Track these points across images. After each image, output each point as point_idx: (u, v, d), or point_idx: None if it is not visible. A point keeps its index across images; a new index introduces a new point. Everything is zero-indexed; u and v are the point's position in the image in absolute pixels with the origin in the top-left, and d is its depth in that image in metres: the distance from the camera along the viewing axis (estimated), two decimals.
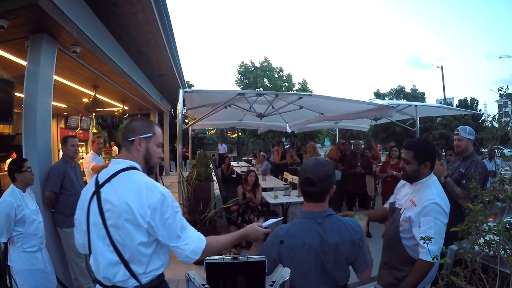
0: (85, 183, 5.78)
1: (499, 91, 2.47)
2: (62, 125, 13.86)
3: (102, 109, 9.71)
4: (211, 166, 8.65)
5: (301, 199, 7.14)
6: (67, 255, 4.80)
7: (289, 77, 31.92)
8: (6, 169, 4.18)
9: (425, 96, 36.97)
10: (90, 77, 7.19)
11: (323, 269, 2.06)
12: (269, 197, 7.45)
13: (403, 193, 2.97)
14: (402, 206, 2.82)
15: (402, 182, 3.13)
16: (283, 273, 2.01)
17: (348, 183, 7.91)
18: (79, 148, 14.19)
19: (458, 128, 4.24)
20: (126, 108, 11.69)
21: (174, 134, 12.55)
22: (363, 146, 10.42)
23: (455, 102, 35.79)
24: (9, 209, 3.57)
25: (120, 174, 1.94)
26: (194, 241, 1.98)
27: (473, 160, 4.06)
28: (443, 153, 7.59)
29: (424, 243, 2.17)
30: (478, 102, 32.09)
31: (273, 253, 2.13)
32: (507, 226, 3.30)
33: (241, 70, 32.36)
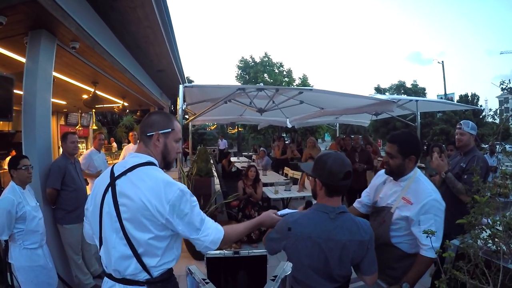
0: (85, 179, 5.79)
1: (501, 85, 2.46)
2: (62, 122, 13.88)
3: (101, 105, 9.70)
4: (212, 161, 8.64)
5: (302, 194, 7.14)
6: (66, 252, 4.81)
7: (289, 72, 31.85)
8: (5, 167, 4.17)
9: (425, 92, 36.97)
10: (90, 73, 7.19)
11: (327, 265, 2.06)
12: (269, 192, 7.46)
13: (389, 191, 2.87)
14: (392, 205, 2.74)
15: (379, 179, 3.05)
16: (285, 267, 2.00)
17: None
18: (79, 145, 14.25)
19: (461, 122, 4.21)
20: (126, 104, 11.66)
21: None
22: (362, 142, 10.44)
23: (456, 98, 35.76)
24: (10, 206, 3.56)
25: (138, 169, 1.93)
26: (213, 232, 2.00)
27: (475, 155, 4.04)
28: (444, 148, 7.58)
29: (427, 237, 2.06)
30: (479, 97, 32.10)
31: (282, 238, 2.16)
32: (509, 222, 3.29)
33: (241, 65, 32.30)
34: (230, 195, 6.76)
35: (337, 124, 14.79)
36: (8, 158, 8.08)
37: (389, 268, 2.73)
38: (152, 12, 5.50)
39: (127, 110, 13.07)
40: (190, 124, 9.64)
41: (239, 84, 30.47)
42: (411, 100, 8.41)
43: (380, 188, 2.99)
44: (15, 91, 4.55)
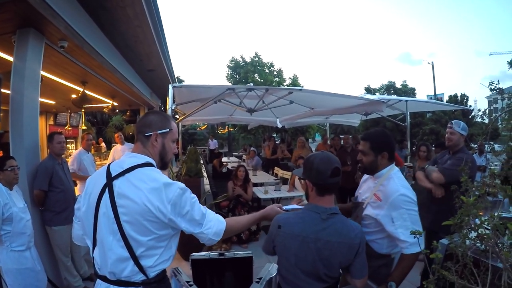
0: (74, 181, 5.72)
1: (490, 86, 2.47)
2: (51, 122, 13.73)
3: (91, 105, 9.62)
4: (202, 161, 8.61)
5: (291, 194, 7.15)
6: (55, 254, 4.76)
7: (280, 72, 31.91)
8: None
9: (415, 92, 37.23)
10: (79, 73, 7.12)
11: (314, 265, 2.06)
12: (259, 193, 7.45)
13: (366, 187, 2.95)
14: (365, 200, 2.80)
15: (365, 177, 3.10)
16: (270, 269, 2.00)
17: None
18: (68, 145, 14.09)
19: (452, 121, 4.22)
20: (115, 104, 11.57)
21: None
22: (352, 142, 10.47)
23: (446, 98, 36.05)
24: None
25: (137, 170, 1.92)
26: (215, 224, 2.05)
27: (462, 154, 4.05)
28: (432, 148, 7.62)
29: (414, 237, 2.08)
30: (468, 98, 32.36)
31: (272, 236, 2.20)
32: (498, 220, 3.30)
33: (232, 65, 32.33)
34: (219, 196, 6.71)
35: (327, 124, 14.82)
36: None
37: None
38: (142, 11, 5.47)
39: (117, 110, 12.94)
40: (180, 124, 9.60)
41: (229, 84, 30.55)
42: (400, 100, 8.45)
43: (362, 184, 3.07)
44: (3, 90, 4.50)
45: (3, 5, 3.76)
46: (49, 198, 4.63)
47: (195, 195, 2.02)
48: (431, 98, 33.74)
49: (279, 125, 10.59)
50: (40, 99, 4.82)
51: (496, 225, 1.76)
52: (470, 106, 29.94)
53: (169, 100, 6.11)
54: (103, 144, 17.77)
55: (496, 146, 3.06)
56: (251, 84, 8.42)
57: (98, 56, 6.12)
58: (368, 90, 37.35)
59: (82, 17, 5.29)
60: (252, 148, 13.90)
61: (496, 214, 1.90)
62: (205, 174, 8.85)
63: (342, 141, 8.96)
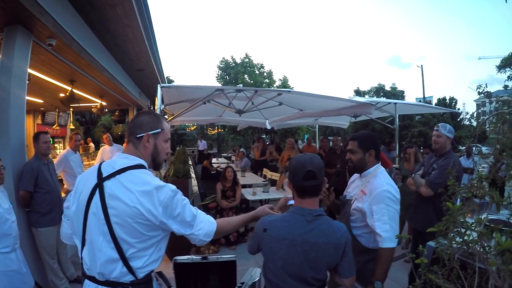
0: (60, 180, 5.65)
1: (478, 89, 2.50)
2: (39, 121, 13.60)
3: (79, 105, 9.54)
4: (190, 163, 8.56)
5: (280, 195, 7.15)
6: (41, 255, 4.69)
7: (270, 73, 31.98)
8: None
9: (404, 95, 37.60)
10: (67, 71, 7.05)
11: (301, 267, 2.06)
12: (247, 194, 7.44)
13: (353, 186, 3.12)
14: (353, 197, 2.96)
15: (353, 177, 3.26)
16: (253, 274, 1.98)
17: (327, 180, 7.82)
18: (56, 145, 13.93)
19: (439, 124, 4.26)
20: (104, 103, 11.49)
21: None
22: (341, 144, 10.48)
23: (434, 101, 36.36)
24: None
25: (129, 171, 1.90)
26: (205, 225, 2.04)
27: (449, 157, 4.07)
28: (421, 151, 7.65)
29: (384, 232, 2.55)
30: (457, 101, 32.70)
31: (258, 239, 2.17)
32: (486, 223, 3.32)
33: (222, 66, 32.32)
34: (208, 197, 6.67)
35: (317, 126, 14.87)
36: None
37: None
38: (132, 10, 5.43)
39: (106, 110, 12.86)
40: (169, 124, 9.56)
41: (219, 84, 30.61)
42: (389, 103, 8.49)
43: (350, 184, 3.23)
44: None
45: None
46: (34, 199, 4.56)
47: (185, 197, 2.00)
48: (420, 101, 34.04)
49: (268, 127, 10.60)
50: (28, 98, 4.77)
51: (482, 233, 1.76)
52: (459, 109, 30.33)
53: (158, 101, 6.07)
54: (91, 144, 17.58)
55: (484, 148, 3.11)
56: (241, 85, 8.39)
57: (86, 55, 6.06)
58: (358, 92, 37.59)
59: (71, 15, 5.24)
60: (241, 149, 13.90)
61: (483, 217, 1.90)
62: (193, 175, 8.81)
63: (331, 143, 8.94)
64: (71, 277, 5.14)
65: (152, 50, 7.97)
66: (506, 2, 2.71)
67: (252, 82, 30.13)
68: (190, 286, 1.88)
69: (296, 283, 2.08)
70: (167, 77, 34.35)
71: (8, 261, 3.63)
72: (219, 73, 32.54)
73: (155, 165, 2.13)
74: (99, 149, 11.63)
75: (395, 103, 8.71)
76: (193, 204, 6.21)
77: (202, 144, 23.10)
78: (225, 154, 22.69)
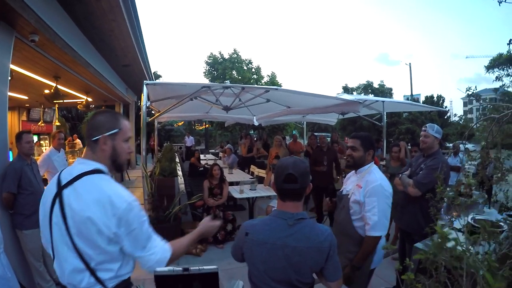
0: (44, 180, 5.55)
1: (467, 91, 2.51)
2: (24, 117, 13.41)
3: (64, 101, 9.44)
4: (177, 160, 8.49)
5: (267, 193, 7.12)
6: (27, 258, 4.62)
7: (258, 69, 31.96)
8: None
9: (392, 92, 37.96)
10: (51, 67, 6.96)
11: (285, 271, 2.04)
12: (235, 192, 7.40)
13: (349, 182, 3.38)
14: (349, 192, 3.22)
15: (348, 174, 3.56)
16: (235, 286, 1.95)
17: (313, 177, 7.83)
18: (42, 142, 13.76)
19: (427, 125, 4.26)
20: (89, 99, 11.39)
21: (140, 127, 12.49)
22: (329, 140, 10.49)
23: (422, 99, 36.66)
24: None
25: (85, 177, 1.81)
26: (159, 251, 1.90)
27: (436, 158, 4.07)
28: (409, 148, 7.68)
29: (372, 221, 2.90)
30: (444, 99, 33.00)
31: (240, 243, 2.16)
32: (474, 224, 3.37)
33: (210, 61, 32.22)
34: (195, 195, 6.65)
35: (304, 122, 14.89)
36: None
37: (348, 252, 3.11)
38: (117, 4, 5.38)
39: (92, 106, 12.74)
40: (156, 120, 9.48)
41: (207, 80, 30.58)
42: (377, 101, 8.51)
43: (346, 181, 3.50)
44: None
45: None
46: (18, 201, 4.47)
47: (145, 214, 1.90)
48: (407, 99, 34.30)
49: (256, 123, 10.57)
50: (12, 94, 4.69)
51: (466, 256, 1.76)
52: (446, 107, 30.57)
53: (144, 97, 6.02)
54: (77, 141, 17.34)
55: (470, 146, 3.17)
56: (228, 82, 8.36)
57: (70, 51, 5.98)
58: (346, 89, 37.77)
59: (54, 10, 5.16)
60: (228, 146, 13.86)
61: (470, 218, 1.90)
62: (180, 173, 8.75)
63: (318, 140, 8.94)
64: (58, 279, 5.06)
65: (139, 45, 7.91)
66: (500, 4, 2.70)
67: (240, 78, 30.10)
68: None
69: (281, 286, 2.06)
70: (154, 72, 34.13)
71: None
72: (207, 68, 32.45)
73: (116, 167, 2.01)
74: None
75: (383, 101, 8.73)
76: (179, 203, 6.19)
77: (189, 140, 23.00)
78: (213, 150, 22.57)
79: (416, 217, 3.90)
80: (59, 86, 8.29)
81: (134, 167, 16.81)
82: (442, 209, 4.03)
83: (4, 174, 4.41)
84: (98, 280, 1.76)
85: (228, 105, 7.11)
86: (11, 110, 10.12)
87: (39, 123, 13.49)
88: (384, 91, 36.50)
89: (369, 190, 3.00)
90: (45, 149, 11.10)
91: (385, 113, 9.17)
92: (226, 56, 31.95)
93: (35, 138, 13.82)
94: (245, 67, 31.60)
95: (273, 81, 31.01)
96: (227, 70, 30.48)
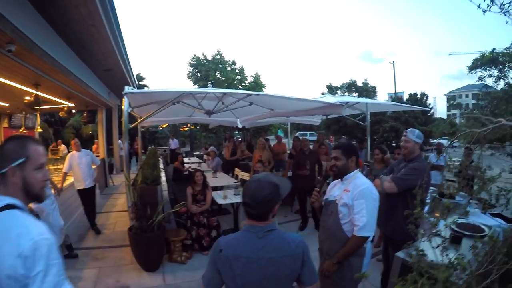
0: None
1: (451, 102, 2.56)
2: (5, 124, 13.29)
3: (46, 107, 9.32)
4: (161, 166, 8.40)
5: None
6: None
7: (241, 70, 31.91)
8: None
9: (376, 90, 38.16)
10: (30, 76, 6.88)
11: (261, 284, 2.06)
12: (218, 197, 7.36)
13: (336, 188, 3.44)
14: (337, 197, 3.27)
15: (333, 182, 3.59)
16: None
17: (297, 180, 7.96)
18: None
19: (407, 130, 4.30)
20: (71, 105, 11.26)
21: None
22: (315, 139, 10.52)
23: (406, 96, 36.90)
24: None
25: None
26: None
27: (417, 161, 4.09)
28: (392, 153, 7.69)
29: (361, 222, 3.00)
30: (427, 96, 33.26)
31: (215, 260, 2.14)
32: (455, 229, 3.41)
33: (193, 63, 32.07)
34: (179, 202, 6.60)
35: (289, 122, 14.95)
36: None
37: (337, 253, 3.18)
38: (96, 10, 5.31)
39: (74, 111, 12.61)
40: (139, 125, 9.41)
41: (191, 82, 30.56)
42: (358, 103, 8.60)
43: (332, 189, 3.53)
44: None
45: None
46: None
47: (57, 256, 1.66)
48: (391, 96, 34.57)
49: (240, 125, 10.57)
50: None
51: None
52: (430, 104, 30.78)
53: (125, 104, 5.96)
54: (62, 147, 16.92)
55: (454, 143, 3.24)
56: (211, 84, 8.32)
57: (49, 59, 5.91)
58: (330, 88, 37.91)
59: (31, 17, 5.10)
60: (211, 148, 13.80)
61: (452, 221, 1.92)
62: (164, 178, 8.67)
63: (300, 143, 8.93)
64: None
65: (119, 49, 7.84)
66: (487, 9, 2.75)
67: (223, 79, 30.04)
68: None
69: None
70: (138, 74, 33.99)
71: None
72: (191, 70, 32.29)
73: (33, 198, 1.81)
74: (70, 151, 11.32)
75: (366, 103, 8.83)
76: (163, 211, 6.14)
77: (174, 143, 22.81)
78: (197, 153, 22.41)
79: (399, 223, 3.91)
80: (39, 93, 8.21)
81: (119, 171, 16.68)
82: (424, 210, 4.08)
83: None
84: None
85: (210, 109, 7.09)
86: None
87: (21, 130, 13.32)
88: (368, 90, 36.74)
89: (357, 193, 3.10)
90: None
91: (368, 113, 9.24)
92: (210, 57, 31.82)
93: None
94: (228, 68, 31.51)
95: (257, 81, 31.00)
96: (210, 71, 30.37)
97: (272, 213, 2.15)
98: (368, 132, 10.02)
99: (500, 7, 2.72)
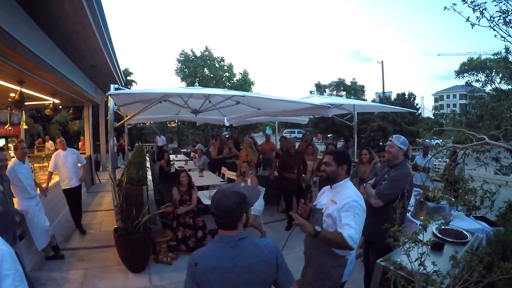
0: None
1: (436, 112, 2.58)
2: None
3: (31, 103, 9.22)
4: (147, 165, 8.33)
5: None
6: None
7: (230, 67, 31.89)
8: None
9: (364, 89, 38.16)
10: (14, 73, 6.81)
11: None
12: (204, 198, 7.35)
13: (325, 197, 3.42)
14: (323, 206, 3.26)
15: (323, 189, 3.58)
16: None
17: (283, 181, 8.02)
18: (10, 145, 13.42)
19: (393, 136, 4.32)
20: (56, 101, 11.12)
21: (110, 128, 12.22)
22: (298, 143, 10.55)
23: (394, 96, 37.01)
24: None
25: None
26: None
27: (400, 168, 4.11)
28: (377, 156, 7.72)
29: (348, 233, 2.85)
30: (415, 96, 33.29)
31: (192, 275, 2.14)
32: (438, 235, 3.44)
33: (181, 59, 31.98)
34: (165, 203, 6.58)
35: (276, 121, 14.98)
36: None
37: (321, 265, 3.21)
38: (81, 6, 5.25)
39: (60, 107, 12.46)
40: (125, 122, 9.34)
41: (178, 78, 30.54)
42: (343, 104, 8.65)
43: (321, 196, 3.53)
44: None
45: None
46: None
47: (12, 267, 1.66)
48: (379, 96, 34.63)
49: (227, 124, 10.55)
50: None
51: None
52: (417, 104, 30.90)
53: (111, 103, 5.91)
54: (49, 143, 16.50)
55: (440, 141, 3.28)
56: (197, 84, 8.26)
57: (33, 57, 5.84)
58: (319, 86, 37.86)
59: (15, 14, 5.03)
60: (198, 146, 13.75)
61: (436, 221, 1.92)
62: (150, 177, 8.61)
63: (286, 144, 8.92)
64: None
65: (106, 45, 7.76)
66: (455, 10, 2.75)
67: (212, 75, 30.01)
68: None
69: None
70: (125, 70, 33.75)
71: None
72: (179, 66, 32.20)
73: None
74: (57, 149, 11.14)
75: (354, 105, 8.88)
76: (149, 212, 6.09)
77: (161, 140, 22.70)
78: (184, 150, 22.27)
79: (379, 228, 3.91)
80: (24, 90, 8.09)
81: (106, 168, 16.54)
82: (409, 213, 4.11)
83: None
84: None
85: (197, 108, 7.06)
86: None
87: (6, 126, 13.13)
88: (356, 89, 36.80)
89: (344, 206, 3.04)
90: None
91: (355, 113, 9.28)
92: (198, 54, 31.77)
93: (2, 141, 13.49)
94: (217, 65, 31.49)
95: (245, 79, 31.06)
96: (198, 68, 30.33)
97: (241, 221, 2.18)
98: (355, 131, 10.08)
99: (489, 20, 2.74)
